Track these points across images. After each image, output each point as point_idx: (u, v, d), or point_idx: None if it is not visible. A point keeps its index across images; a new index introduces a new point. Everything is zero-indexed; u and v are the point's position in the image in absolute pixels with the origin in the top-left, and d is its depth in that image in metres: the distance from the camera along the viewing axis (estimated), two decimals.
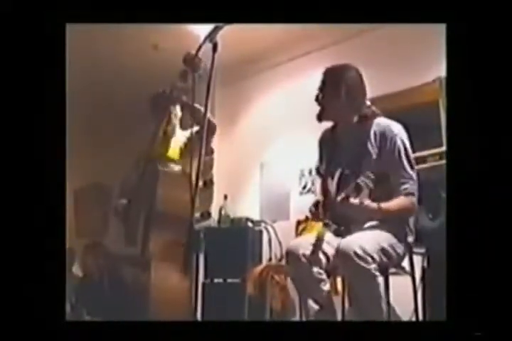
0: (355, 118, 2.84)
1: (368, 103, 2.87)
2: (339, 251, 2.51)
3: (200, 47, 2.42)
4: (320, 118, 2.90)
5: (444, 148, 3.52)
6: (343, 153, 2.86)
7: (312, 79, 5.22)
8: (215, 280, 4.85)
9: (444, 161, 3.14)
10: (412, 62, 4.40)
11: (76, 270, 6.24)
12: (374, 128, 2.77)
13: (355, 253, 2.43)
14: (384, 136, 2.74)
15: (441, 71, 3.84)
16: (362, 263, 2.44)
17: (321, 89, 2.89)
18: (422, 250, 2.99)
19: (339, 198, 2.62)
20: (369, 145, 2.75)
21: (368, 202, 2.55)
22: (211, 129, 3.38)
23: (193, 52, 2.53)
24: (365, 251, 2.45)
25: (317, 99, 2.89)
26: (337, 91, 2.79)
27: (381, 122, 2.80)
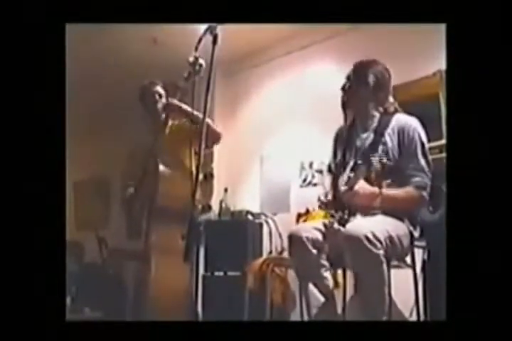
0: (377, 112, 2.92)
1: (391, 100, 2.95)
2: (348, 234, 2.52)
3: (200, 39, 2.44)
4: (344, 106, 2.99)
5: (444, 141, 3.52)
6: (360, 144, 2.91)
7: (312, 72, 5.28)
8: (216, 273, 4.87)
9: (444, 154, 3.14)
10: (412, 54, 4.40)
11: (76, 262, 6.25)
12: (393, 122, 2.84)
13: (366, 237, 2.45)
14: (402, 130, 2.80)
15: (442, 64, 3.83)
16: (371, 247, 2.45)
17: (349, 78, 2.96)
18: (423, 243, 2.99)
19: (344, 188, 2.66)
20: (387, 138, 2.81)
21: (366, 189, 2.62)
22: (215, 138, 3.44)
23: (196, 54, 2.57)
24: (374, 236, 2.47)
25: (343, 87, 2.96)
26: (364, 82, 2.88)
27: (401, 117, 2.88)
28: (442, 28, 2.04)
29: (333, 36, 4.99)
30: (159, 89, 3.63)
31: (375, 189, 2.65)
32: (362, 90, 2.89)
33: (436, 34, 2.46)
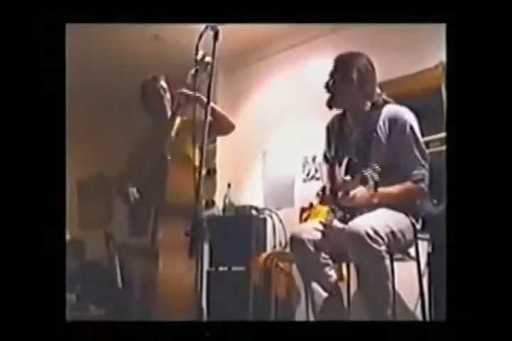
0: (366, 106, 2.84)
1: (379, 90, 2.88)
2: (350, 232, 2.52)
3: (201, 35, 2.43)
4: (330, 105, 2.91)
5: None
6: (352, 140, 2.87)
7: (314, 66, 5.27)
8: (220, 269, 4.87)
9: None
10: (414, 47, 4.39)
11: (80, 260, 6.27)
12: (384, 116, 2.78)
13: (367, 234, 2.45)
14: (393, 123, 2.75)
15: (443, 56, 3.82)
16: (373, 244, 2.46)
17: (332, 75, 2.88)
18: (427, 236, 3.00)
19: (340, 194, 2.64)
20: (379, 132, 2.76)
21: (362, 192, 2.58)
22: (228, 128, 3.41)
23: (202, 51, 2.57)
24: (376, 232, 2.47)
25: (327, 85, 2.89)
26: (348, 79, 2.79)
27: (391, 109, 2.81)
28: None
29: (335, 30, 4.97)
30: (163, 83, 3.59)
31: (369, 193, 2.59)
32: (347, 87, 2.81)
33: (438, 27, 2.46)
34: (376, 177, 2.50)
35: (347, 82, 2.80)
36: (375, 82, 2.87)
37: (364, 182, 2.54)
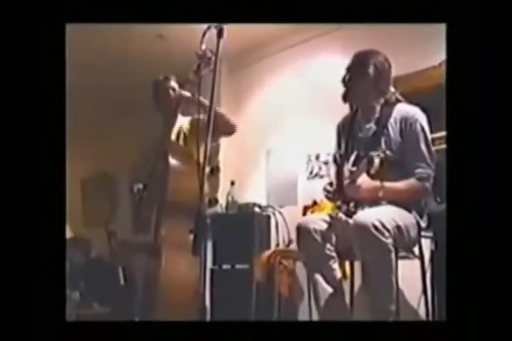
0: (379, 103, 2.90)
1: (393, 89, 2.93)
2: (356, 223, 2.53)
3: (204, 33, 2.43)
4: (345, 98, 2.95)
5: None
6: (362, 136, 2.91)
7: (317, 65, 5.27)
8: (223, 267, 4.88)
9: None
10: (417, 45, 4.38)
11: (84, 258, 6.29)
12: (395, 113, 2.84)
13: (374, 226, 2.46)
14: (404, 121, 2.80)
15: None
16: (380, 236, 2.47)
17: (349, 70, 2.93)
18: (430, 233, 3.00)
19: (347, 182, 2.67)
20: (389, 130, 2.81)
21: (368, 183, 2.64)
22: (230, 129, 3.41)
23: (204, 46, 2.57)
24: (383, 225, 2.49)
25: (344, 79, 2.93)
26: (365, 73, 2.86)
27: (402, 108, 2.87)
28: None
29: (338, 28, 4.96)
30: (173, 83, 3.61)
31: (377, 182, 2.66)
32: (362, 82, 2.87)
33: (441, 25, 2.46)
34: (377, 161, 2.59)
35: (363, 76, 2.87)
36: (390, 79, 2.94)
37: (370, 163, 2.61)
